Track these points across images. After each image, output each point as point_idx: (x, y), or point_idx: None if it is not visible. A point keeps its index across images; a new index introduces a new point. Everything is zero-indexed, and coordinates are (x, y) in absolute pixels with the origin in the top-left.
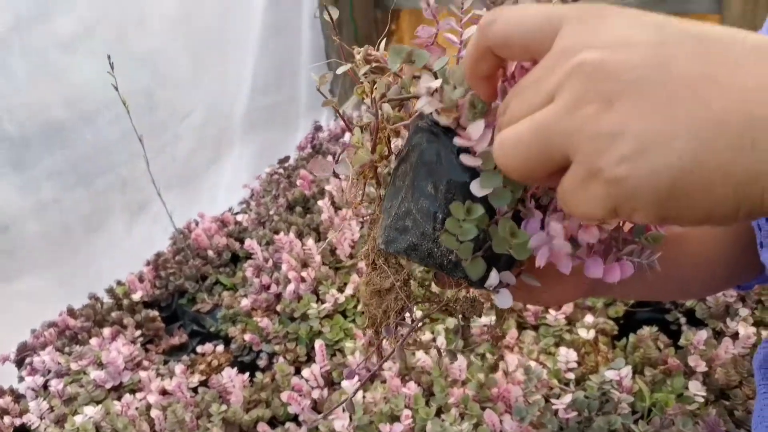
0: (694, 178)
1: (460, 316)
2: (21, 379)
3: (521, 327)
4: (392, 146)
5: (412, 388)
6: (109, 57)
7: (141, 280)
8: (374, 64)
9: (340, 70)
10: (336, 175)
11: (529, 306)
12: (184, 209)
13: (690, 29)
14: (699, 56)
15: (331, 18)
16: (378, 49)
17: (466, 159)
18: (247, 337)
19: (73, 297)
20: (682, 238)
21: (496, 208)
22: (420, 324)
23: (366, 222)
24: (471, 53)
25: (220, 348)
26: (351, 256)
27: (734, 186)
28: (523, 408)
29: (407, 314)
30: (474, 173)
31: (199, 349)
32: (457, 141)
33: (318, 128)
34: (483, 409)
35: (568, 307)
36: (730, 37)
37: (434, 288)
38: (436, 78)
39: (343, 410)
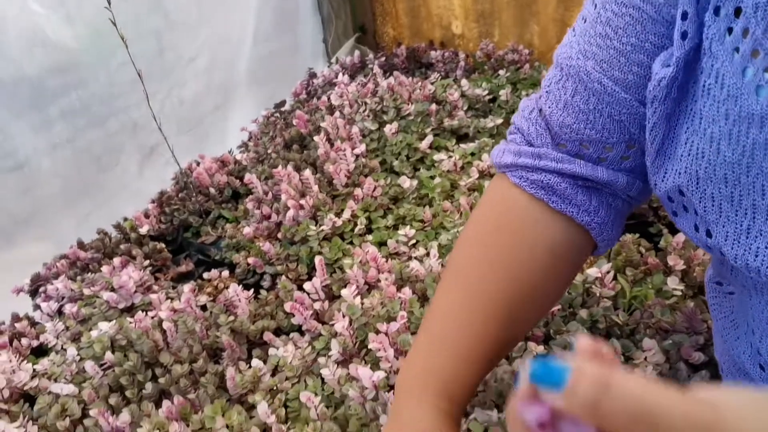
0: None
1: None
2: (36, 307)
3: None
4: None
5: (406, 293)
6: None
7: (147, 216)
8: None
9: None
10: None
11: None
12: (194, 152)
13: None
14: None
15: None
16: None
17: None
18: (251, 260)
19: (87, 234)
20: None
21: None
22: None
23: (362, 155)
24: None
25: (225, 273)
26: (347, 185)
27: None
28: None
29: None
30: None
31: (205, 275)
32: None
33: (312, 75)
34: None
35: None
36: None
37: None
38: None
39: (343, 315)
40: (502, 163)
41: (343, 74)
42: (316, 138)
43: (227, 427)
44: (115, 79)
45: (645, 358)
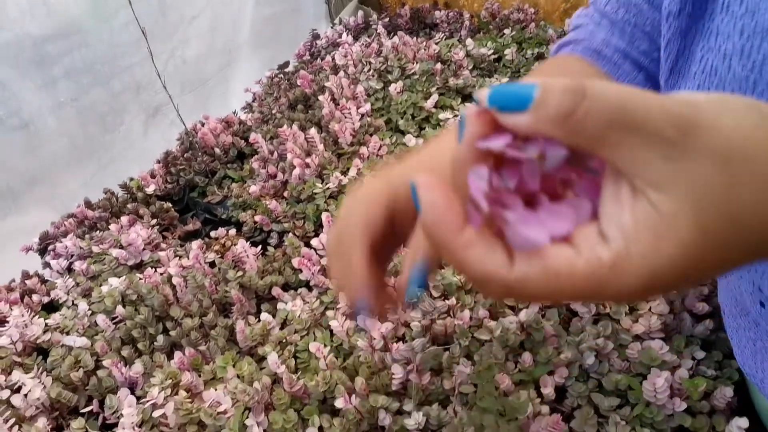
0: None
1: None
2: (45, 265)
3: None
4: None
5: None
6: None
7: (152, 176)
8: None
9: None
10: None
11: None
12: (198, 112)
13: None
14: None
15: None
16: None
17: None
18: (258, 218)
19: (93, 194)
20: None
21: None
22: None
23: (367, 114)
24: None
25: (233, 232)
26: (352, 144)
27: None
28: None
29: None
30: None
31: (212, 234)
32: None
33: (316, 36)
34: None
35: None
36: None
37: None
38: None
39: None
40: (561, 42)
41: (347, 35)
42: (320, 98)
43: (238, 376)
44: (117, 39)
45: (649, 308)
